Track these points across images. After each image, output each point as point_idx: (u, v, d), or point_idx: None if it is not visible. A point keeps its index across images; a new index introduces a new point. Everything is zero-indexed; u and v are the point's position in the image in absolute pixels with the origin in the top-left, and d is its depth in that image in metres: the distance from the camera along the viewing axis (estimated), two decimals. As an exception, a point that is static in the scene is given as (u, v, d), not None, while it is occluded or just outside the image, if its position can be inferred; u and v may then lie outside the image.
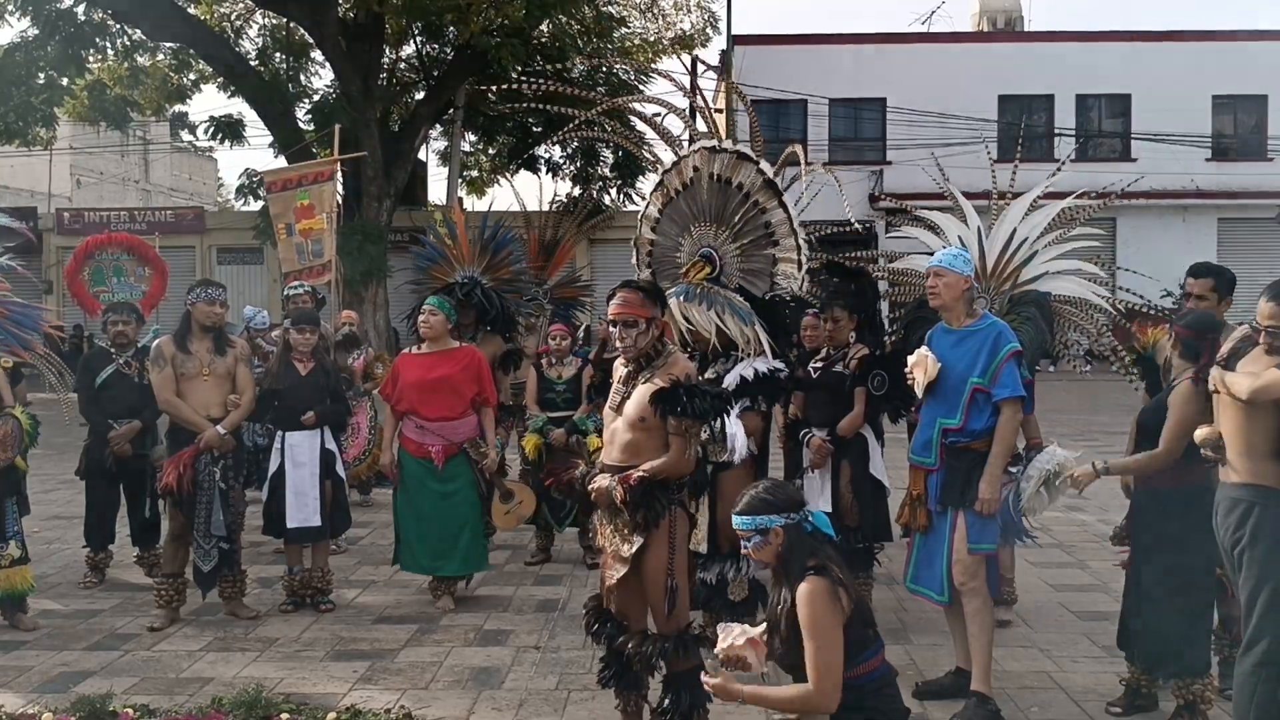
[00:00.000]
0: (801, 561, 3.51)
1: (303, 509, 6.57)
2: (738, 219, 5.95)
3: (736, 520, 3.66)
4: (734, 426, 5.44)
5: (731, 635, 3.51)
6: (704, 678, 3.55)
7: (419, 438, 6.62)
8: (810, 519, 3.60)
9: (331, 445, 6.80)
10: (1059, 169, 6.63)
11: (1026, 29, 30.59)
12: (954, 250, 5.21)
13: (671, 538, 4.33)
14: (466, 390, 6.65)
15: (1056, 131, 26.11)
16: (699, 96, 6.55)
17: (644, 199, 6.48)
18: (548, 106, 7.12)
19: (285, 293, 8.46)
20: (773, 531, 3.56)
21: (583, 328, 9.56)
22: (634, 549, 4.32)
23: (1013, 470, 4.97)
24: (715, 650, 3.55)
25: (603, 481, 4.35)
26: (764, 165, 5.93)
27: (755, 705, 3.51)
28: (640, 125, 7.60)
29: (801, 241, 5.93)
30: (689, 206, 6.07)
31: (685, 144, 6.32)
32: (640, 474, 4.23)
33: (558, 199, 20.93)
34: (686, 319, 5.57)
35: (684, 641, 4.37)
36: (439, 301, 6.80)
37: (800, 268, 5.95)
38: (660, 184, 6.19)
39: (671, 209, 6.15)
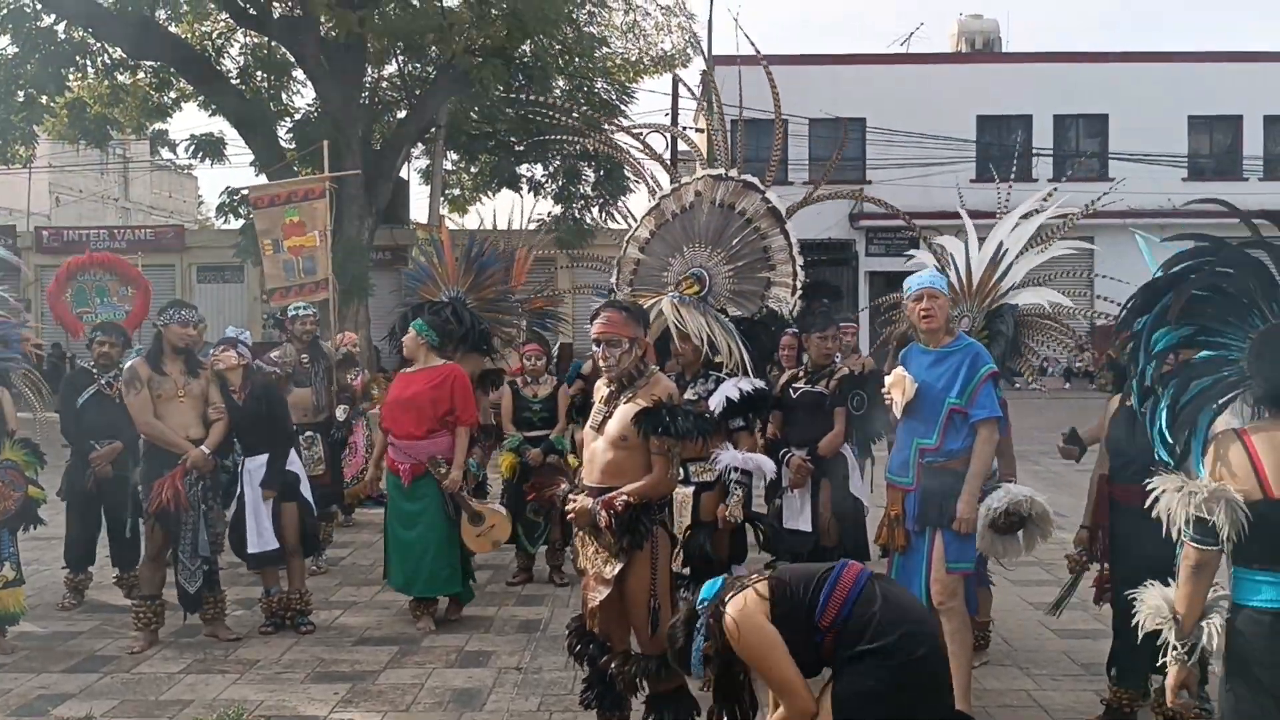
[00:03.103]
0: (707, 650, 3.68)
1: (263, 533, 6.53)
2: (736, 242, 6.05)
3: (693, 675, 3.83)
4: (752, 458, 5.47)
5: None
6: None
7: (393, 455, 6.70)
8: (703, 603, 3.74)
9: (295, 467, 6.77)
10: (1047, 196, 6.67)
11: (1004, 50, 30.89)
12: (933, 271, 5.27)
13: (654, 559, 4.34)
14: (432, 409, 6.59)
15: (1035, 151, 26.35)
16: (719, 117, 6.65)
17: (628, 217, 6.57)
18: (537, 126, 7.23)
19: (290, 312, 8.30)
20: (706, 648, 3.70)
21: (556, 346, 9.59)
22: (616, 570, 4.34)
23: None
24: None
25: (584, 503, 4.36)
26: (770, 195, 6.03)
27: None
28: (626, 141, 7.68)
29: (799, 268, 6.01)
30: (684, 229, 6.16)
31: (668, 163, 6.40)
32: (625, 498, 4.25)
33: (538, 218, 21.00)
34: (680, 319, 5.60)
35: (667, 662, 4.39)
36: (417, 325, 6.85)
37: (794, 293, 6.03)
38: (656, 207, 6.28)
39: (664, 230, 6.24)
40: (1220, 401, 2.92)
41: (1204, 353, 2.95)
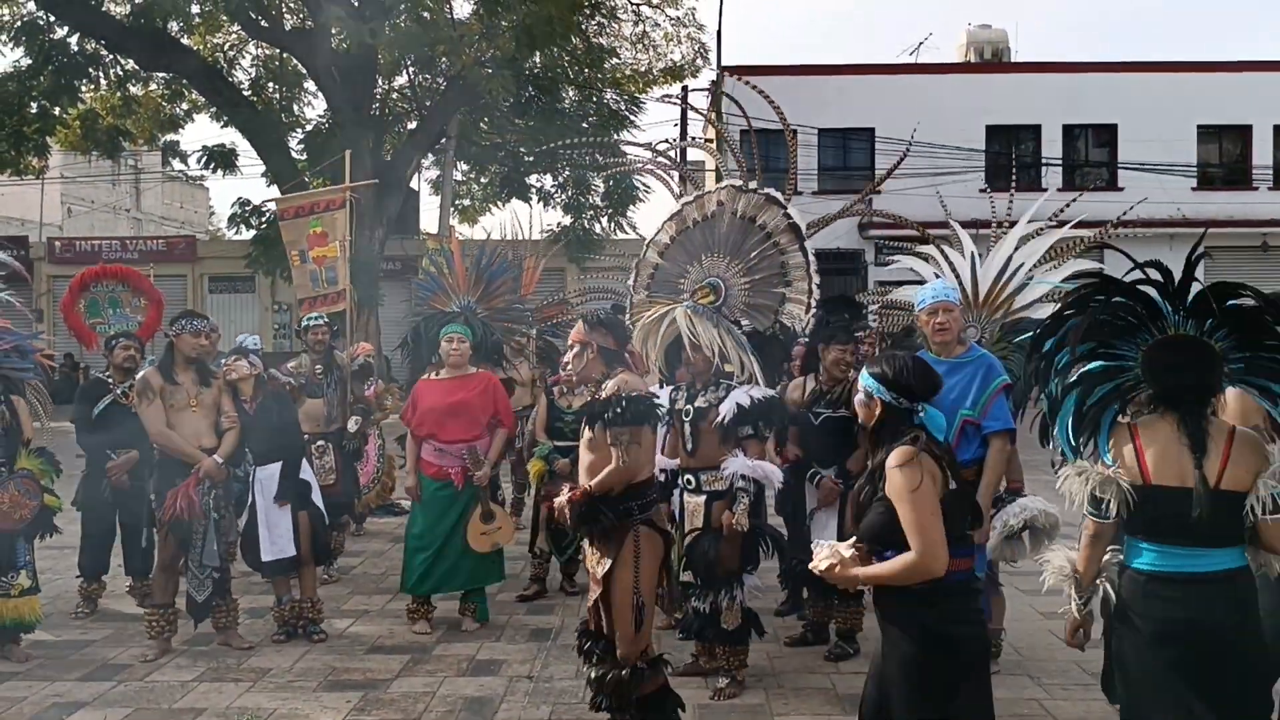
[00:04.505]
0: (890, 434, 3.50)
1: (277, 540, 6.57)
2: (754, 255, 6.08)
3: (862, 374, 3.64)
4: (760, 466, 5.48)
5: (821, 556, 3.53)
6: (814, 565, 3.53)
7: (439, 461, 6.71)
8: (922, 413, 3.55)
9: (307, 475, 6.82)
10: (1058, 213, 6.69)
11: (1013, 60, 30.87)
12: (943, 283, 5.28)
13: (636, 557, 4.45)
14: (483, 414, 6.80)
15: (1044, 161, 26.32)
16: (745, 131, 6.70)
17: (636, 227, 6.64)
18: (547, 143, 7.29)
19: (304, 323, 8.41)
20: (875, 401, 3.56)
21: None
22: (605, 570, 4.50)
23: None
24: (814, 568, 3.56)
25: (560, 499, 4.56)
26: (792, 210, 6.06)
27: (871, 584, 3.51)
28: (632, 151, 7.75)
29: (815, 286, 6.03)
30: (704, 238, 6.19)
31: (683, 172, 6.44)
32: (582, 489, 4.47)
33: (548, 228, 21.05)
34: (692, 329, 5.63)
35: (640, 671, 4.49)
36: (461, 328, 6.89)
37: (808, 310, 6.05)
38: (678, 213, 6.32)
39: (685, 238, 6.28)
40: (1118, 404, 3.49)
41: (1100, 363, 3.52)
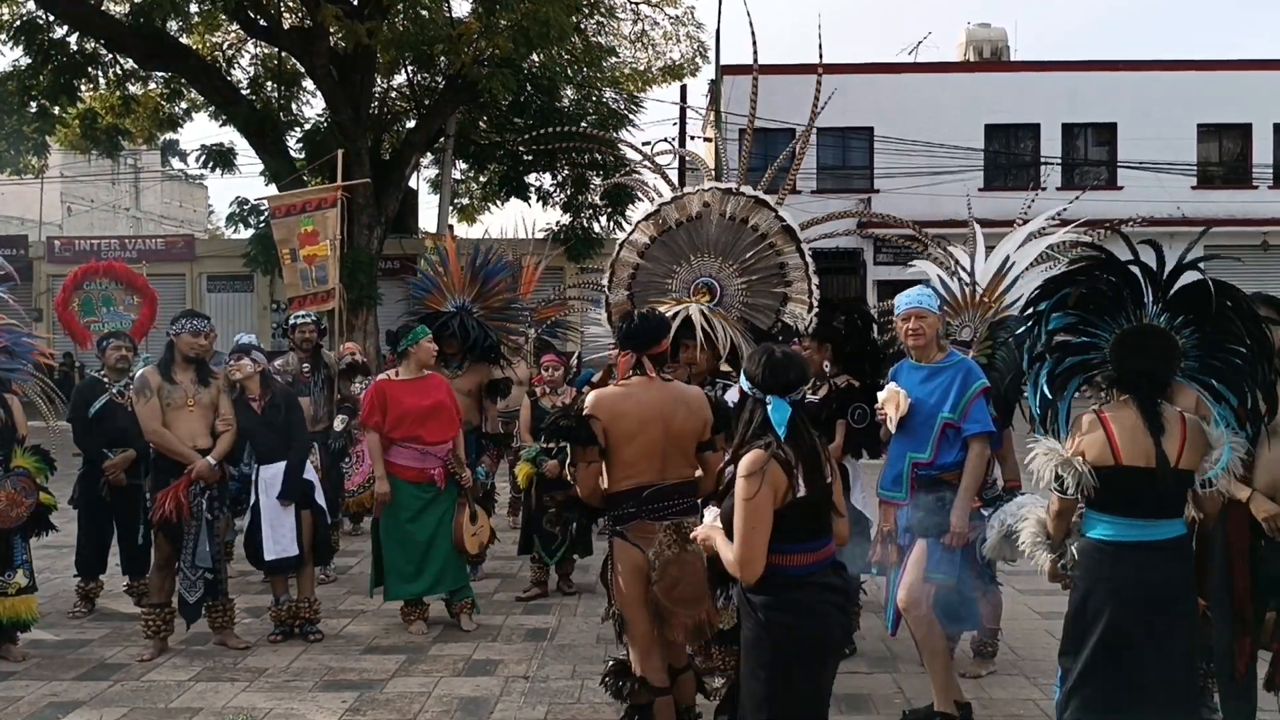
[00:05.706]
0: (745, 423, 3.56)
1: (280, 540, 6.57)
2: (750, 256, 6.08)
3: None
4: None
5: (705, 523, 3.81)
6: (696, 531, 3.85)
7: (420, 463, 6.67)
8: (766, 404, 3.51)
9: (309, 475, 6.82)
10: (1058, 214, 6.70)
11: (1012, 59, 30.84)
12: (921, 289, 5.30)
13: (606, 564, 4.49)
14: (456, 414, 6.84)
15: (1043, 160, 26.31)
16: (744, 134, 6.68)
17: (628, 226, 6.65)
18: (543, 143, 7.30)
19: (291, 321, 8.40)
20: (739, 389, 3.69)
21: (574, 357, 9.60)
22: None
23: (985, 513, 5.02)
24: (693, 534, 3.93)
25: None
26: (783, 213, 6.06)
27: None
28: (630, 153, 7.75)
29: (814, 286, 6.04)
30: (690, 237, 6.18)
31: (671, 180, 6.45)
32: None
33: (546, 227, 21.06)
34: (706, 329, 5.63)
35: (638, 681, 4.45)
36: (428, 330, 6.91)
37: (810, 310, 6.07)
38: (655, 214, 6.30)
39: (667, 238, 6.27)
40: (1084, 374, 3.84)
41: (1063, 337, 3.84)
